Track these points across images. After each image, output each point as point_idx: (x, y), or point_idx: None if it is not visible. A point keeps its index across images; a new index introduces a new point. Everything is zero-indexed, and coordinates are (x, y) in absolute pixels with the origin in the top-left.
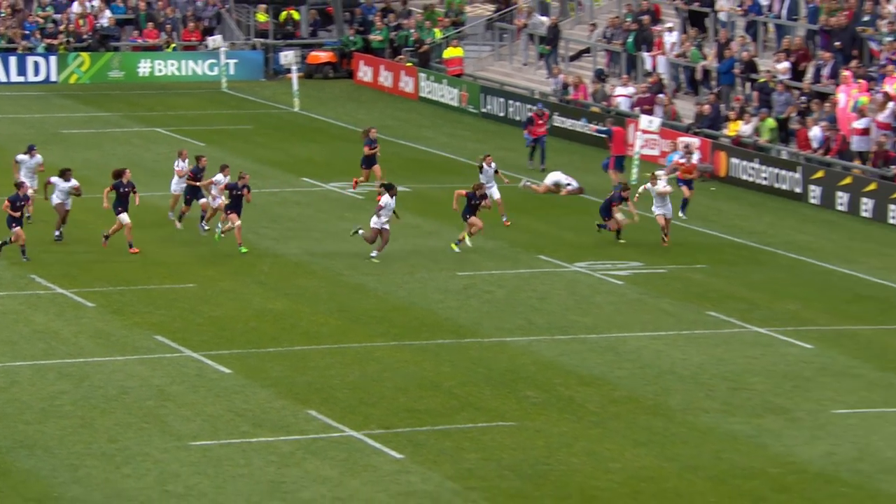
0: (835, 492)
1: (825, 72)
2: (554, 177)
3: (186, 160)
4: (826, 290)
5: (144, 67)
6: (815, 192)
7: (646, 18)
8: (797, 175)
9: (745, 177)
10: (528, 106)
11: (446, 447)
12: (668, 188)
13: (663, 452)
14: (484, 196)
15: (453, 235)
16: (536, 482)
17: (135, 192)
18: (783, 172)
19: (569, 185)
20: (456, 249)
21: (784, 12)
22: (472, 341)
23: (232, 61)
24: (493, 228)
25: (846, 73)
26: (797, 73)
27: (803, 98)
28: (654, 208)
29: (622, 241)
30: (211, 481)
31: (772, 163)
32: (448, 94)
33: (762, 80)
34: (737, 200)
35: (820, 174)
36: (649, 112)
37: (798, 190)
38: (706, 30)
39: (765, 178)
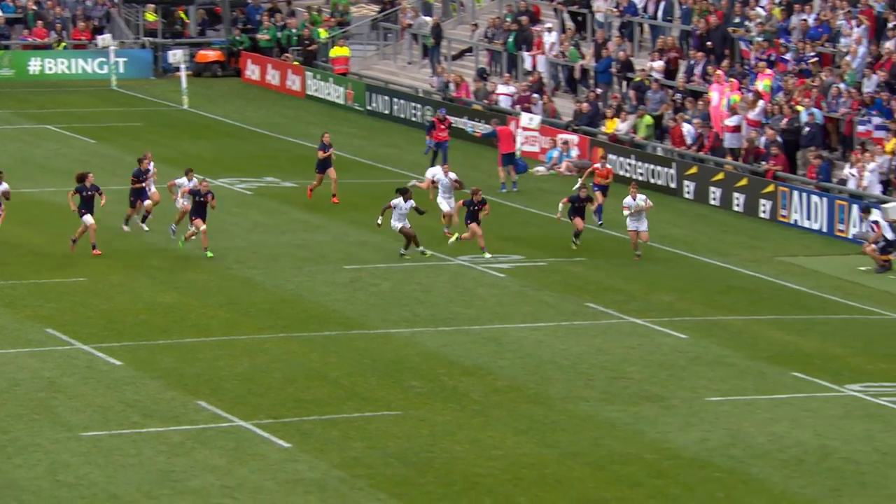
0: (708, 476)
1: (698, 71)
2: (432, 171)
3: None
4: (699, 281)
5: (34, 66)
6: (689, 188)
7: (524, 19)
8: (672, 171)
9: (622, 172)
10: (413, 104)
11: (333, 436)
12: (648, 203)
13: (544, 440)
14: (483, 202)
15: (340, 230)
16: (421, 469)
17: (100, 194)
18: (658, 168)
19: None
20: (487, 255)
21: (659, 13)
22: (358, 333)
23: (121, 59)
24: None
25: (718, 72)
26: (671, 73)
27: (678, 96)
28: (628, 222)
29: (577, 244)
30: (102, 471)
31: (647, 159)
32: (334, 93)
33: (638, 78)
34: (614, 196)
35: (693, 170)
36: (529, 110)
37: (673, 185)
38: (584, 30)
39: (641, 174)
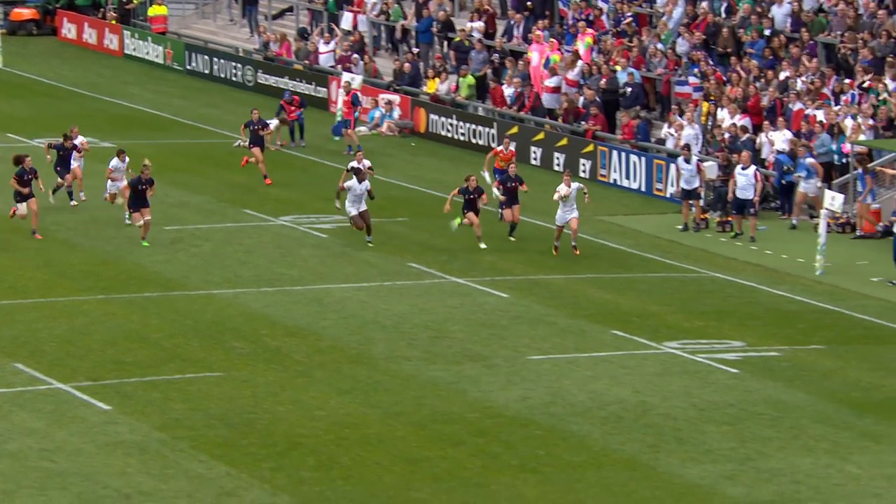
0: (529, 434)
1: (518, 31)
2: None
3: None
4: (521, 241)
5: None
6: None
7: None
8: (493, 131)
9: (443, 132)
10: (234, 64)
11: (154, 398)
12: (568, 190)
13: (367, 400)
14: (479, 190)
15: (161, 191)
16: (243, 431)
17: (36, 178)
18: (479, 128)
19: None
20: (482, 246)
21: None
22: (179, 294)
23: None
24: (208, 182)
25: (538, 32)
26: (491, 34)
27: (498, 56)
28: (558, 213)
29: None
30: None
31: (468, 119)
32: (153, 52)
33: (458, 39)
34: (436, 156)
35: (514, 130)
36: (350, 70)
37: (494, 145)
38: None
39: (462, 134)
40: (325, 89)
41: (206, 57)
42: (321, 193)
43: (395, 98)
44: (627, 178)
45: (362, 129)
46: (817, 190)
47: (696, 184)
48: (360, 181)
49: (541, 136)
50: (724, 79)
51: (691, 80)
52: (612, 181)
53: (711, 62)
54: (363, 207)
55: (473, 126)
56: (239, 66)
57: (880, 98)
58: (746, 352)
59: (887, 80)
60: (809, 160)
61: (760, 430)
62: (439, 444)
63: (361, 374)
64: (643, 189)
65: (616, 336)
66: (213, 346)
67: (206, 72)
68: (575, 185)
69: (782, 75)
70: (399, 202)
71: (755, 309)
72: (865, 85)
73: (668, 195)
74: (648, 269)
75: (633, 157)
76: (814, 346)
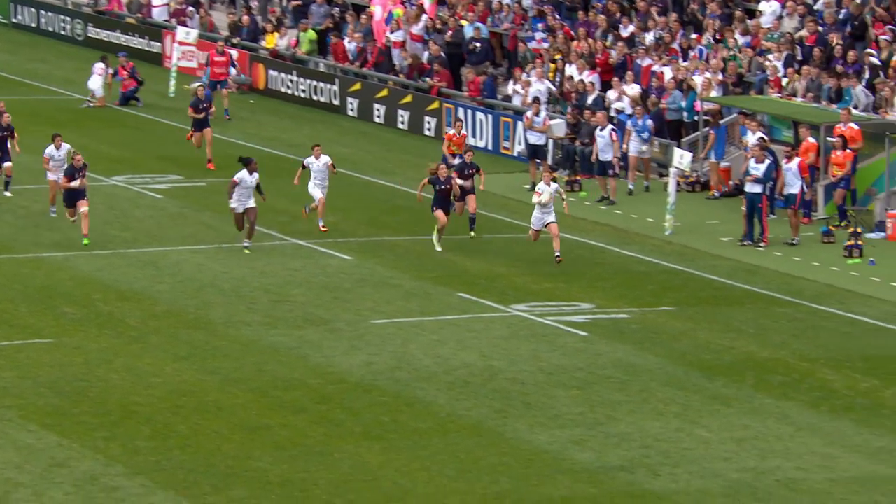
0: (374, 400)
1: None
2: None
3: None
4: (364, 201)
5: None
6: (352, 105)
7: None
8: (335, 87)
9: (283, 89)
10: (62, 17)
11: None
12: (562, 195)
13: (204, 366)
14: (451, 182)
15: None
16: (74, 399)
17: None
18: (321, 85)
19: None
20: (438, 248)
21: None
22: (6, 258)
23: None
24: (36, 140)
25: None
26: None
27: (339, 10)
28: (534, 214)
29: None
30: None
31: (309, 75)
32: None
33: None
34: (276, 113)
35: (357, 87)
36: (185, 24)
37: (336, 102)
38: None
39: (303, 91)
40: (158, 44)
41: (32, 10)
42: (156, 152)
43: (234, 53)
44: (474, 136)
45: (196, 84)
46: (648, 152)
47: (542, 141)
48: (250, 172)
49: (384, 92)
50: (572, 34)
51: (538, 35)
52: None
53: (559, 16)
54: (250, 204)
55: (315, 83)
56: (68, 19)
57: (730, 53)
58: (595, 314)
59: (737, 36)
60: (649, 122)
61: (609, 394)
62: (280, 411)
63: (199, 339)
64: (490, 147)
65: (462, 299)
66: (42, 311)
67: (33, 25)
68: (554, 185)
69: (630, 30)
70: (234, 162)
71: (604, 270)
72: (716, 38)
73: (515, 154)
74: (496, 230)
75: (480, 115)
76: (664, 307)
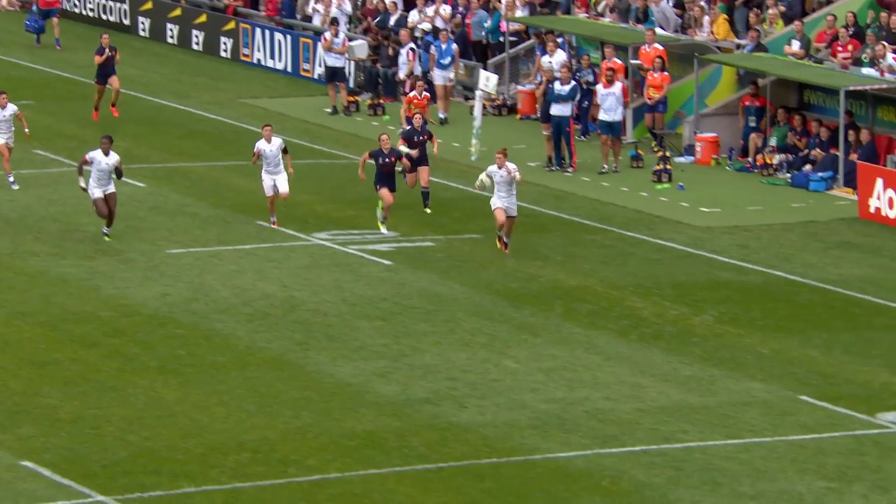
0: (169, 333)
1: None
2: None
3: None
4: (158, 125)
5: None
6: (144, 24)
7: None
8: (125, 6)
9: (70, 7)
10: None
11: None
12: (517, 175)
13: None
14: (395, 154)
15: None
16: None
17: None
18: (110, 3)
19: None
20: (384, 231)
21: None
22: None
23: None
24: None
25: None
26: None
27: None
28: (494, 197)
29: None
30: None
31: None
32: None
33: None
34: (64, 34)
35: (148, 5)
36: None
37: (126, 22)
38: None
39: (92, 10)
40: None
41: None
42: None
43: None
44: (272, 57)
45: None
46: (447, 80)
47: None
48: (105, 152)
49: (177, 12)
50: None
51: None
52: (255, 61)
53: None
54: (110, 189)
55: (104, 1)
56: None
57: None
58: (400, 242)
59: None
60: (454, 46)
61: (415, 324)
62: (70, 345)
63: None
64: (289, 70)
65: (261, 227)
66: None
67: None
68: (511, 165)
69: None
70: (22, 83)
71: (408, 197)
72: None
73: (315, 76)
74: (296, 156)
75: (278, 36)
76: (470, 235)
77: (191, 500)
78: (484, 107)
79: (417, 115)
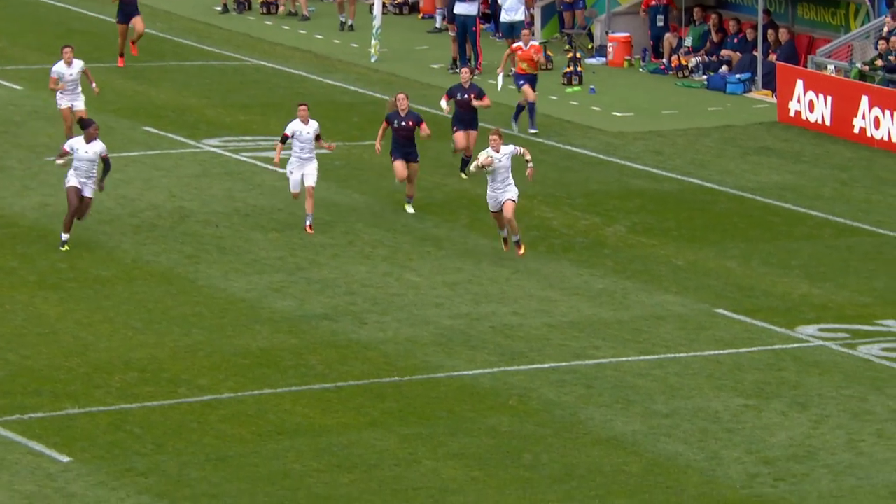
0: (50, 245)
1: None
2: None
3: None
4: (36, 24)
5: None
6: None
7: None
8: None
9: None
10: None
11: None
12: (523, 152)
13: None
14: (415, 117)
15: None
16: None
17: None
18: None
19: None
20: (409, 210)
21: None
22: None
23: None
24: None
25: None
26: None
27: None
28: (490, 188)
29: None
30: None
31: None
32: None
33: None
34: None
35: None
36: None
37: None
38: None
39: None
40: None
41: None
42: None
43: None
44: None
45: None
46: None
47: None
48: (87, 139)
49: None
50: None
51: None
52: None
53: None
54: (87, 192)
55: None
56: None
57: None
58: None
59: None
60: None
61: (312, 236)
62: None
63: None
64: None
65: (148, 133)
66: None
67: None
68: (509, 148)
69: None
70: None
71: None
72: None
73: None
74: (184, 57)
75: None
76: (370, 141)
77: (74, 422)
78: (384, 6)
79: (465, 71)
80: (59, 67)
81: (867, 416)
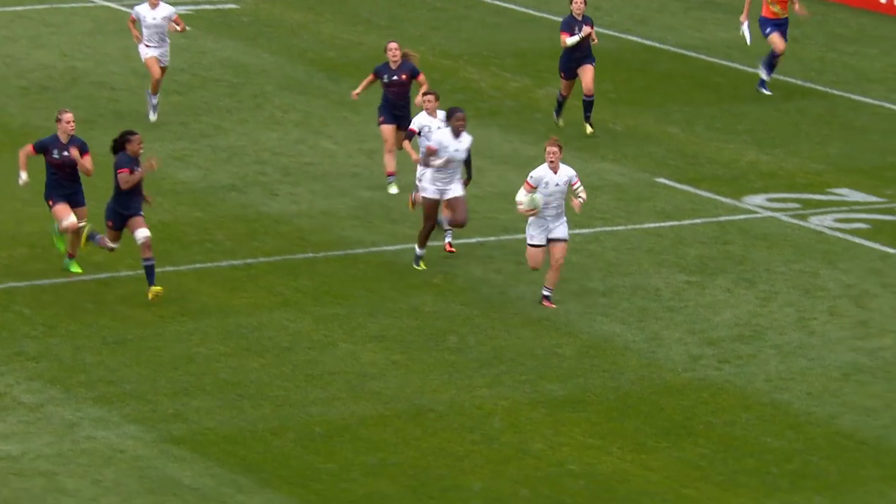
0: None
1: None
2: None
3: None
4: None
5: None
6: None
7: None
8: None
9: None
10: None
11: None
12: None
13: None
14: (409, 69)
15: None
16: None
17: None
18: None
19: None
20: (393, 190)
21: None
22: None
23: None
24: None
25: None
26: None
27: None
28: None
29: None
30: None
31: None
32: None
33: None
34: None
35: None
36: None
37: None
38: None
39: None
40: None
41: None
42: None
43: None
44: None
45: None
46: None
47: None
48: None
49: None
50: None
51: None
52: None
53: None
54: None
55: None
56: None
57: None
58: (199, 4)
59: None
60: None
61: (217, 100)
62: None
63: None
64: None
65: None
66: None
67: None
68: (568, 171)
69: None
70: None
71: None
72: None
73: None
74: None
75: None
76: None
77: None
78: None
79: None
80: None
81: (819, 292)
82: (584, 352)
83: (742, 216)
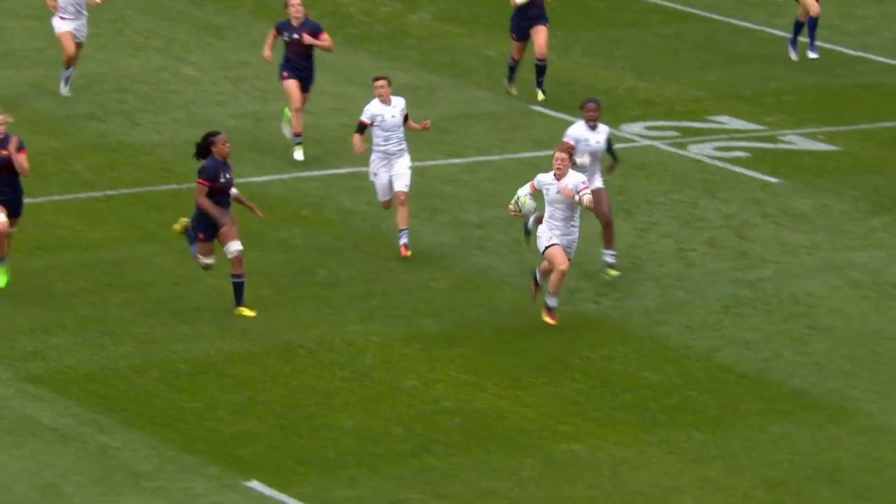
0: None
1: None
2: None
3: None
4: None
5: None
6: None
7: None
8: None
9: None
10: None
11: None
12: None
13: None
14: (312, 26)
15: None
16: None
17: None
18: None
19: None
20: (286, 132)
21: None
22: None
23: None
24: None
25: None
26: None
27: None
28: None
29: None
30: None
31: None
32: None
33: None
34: None
35: None
36: None
37: None
38: None
39: None
40: None
41: None
42: None
43: None
44: None
45: None
46: None
47: None
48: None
49: None
50: None
51: None
52: None
53: None
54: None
55: None
56: None
57: None
58: None
59: None
60: None
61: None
62: None
63: None
64: None
65: None
66: None
67: None
68: (577, 176)
69: None
70: None
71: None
72: None
73: None
74: None
75: None
76: None
77: None
78: None
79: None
80: None
81: (698, 222)
82: (459, 286)
83: (620, 145)
